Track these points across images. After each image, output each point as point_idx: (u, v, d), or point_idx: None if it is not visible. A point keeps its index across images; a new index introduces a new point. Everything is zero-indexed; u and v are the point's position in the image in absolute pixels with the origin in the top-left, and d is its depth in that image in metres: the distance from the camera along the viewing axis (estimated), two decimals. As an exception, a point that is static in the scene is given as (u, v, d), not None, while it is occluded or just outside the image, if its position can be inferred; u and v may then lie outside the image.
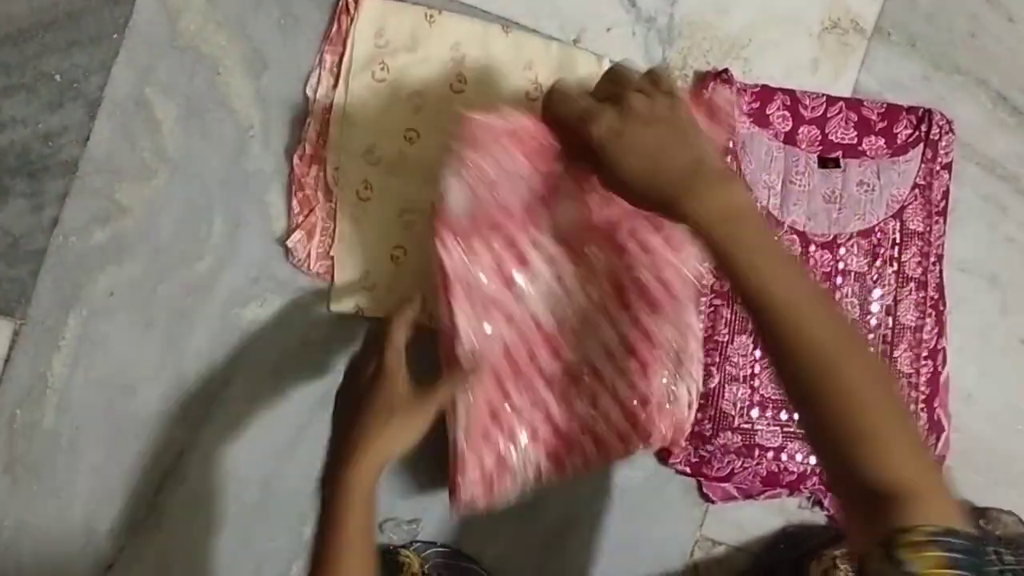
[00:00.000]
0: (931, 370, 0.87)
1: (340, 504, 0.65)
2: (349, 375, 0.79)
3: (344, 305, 0.82)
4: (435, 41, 0.83)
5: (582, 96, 0.66)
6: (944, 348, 0.88)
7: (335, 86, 0.82)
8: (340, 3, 0.82)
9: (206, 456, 0.82)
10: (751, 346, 0.85)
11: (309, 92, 0.82)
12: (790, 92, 0.87)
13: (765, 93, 0.87)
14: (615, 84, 0.65)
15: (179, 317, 0.82)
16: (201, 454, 0.82)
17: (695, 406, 0.83)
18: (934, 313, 0.87)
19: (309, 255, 0.82)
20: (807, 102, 0.87)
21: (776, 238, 0.66)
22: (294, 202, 0.82)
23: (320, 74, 0.82)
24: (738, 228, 0.57)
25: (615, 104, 0.62)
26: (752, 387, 0.84)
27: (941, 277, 0.88)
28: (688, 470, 0.85)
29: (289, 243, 0.81)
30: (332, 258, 0.82)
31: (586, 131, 0.63)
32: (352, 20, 0.82)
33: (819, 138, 0.87)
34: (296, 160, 0.82)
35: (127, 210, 0.81)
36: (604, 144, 0.62)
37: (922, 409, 0.87)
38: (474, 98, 0.83)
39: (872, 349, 0.60)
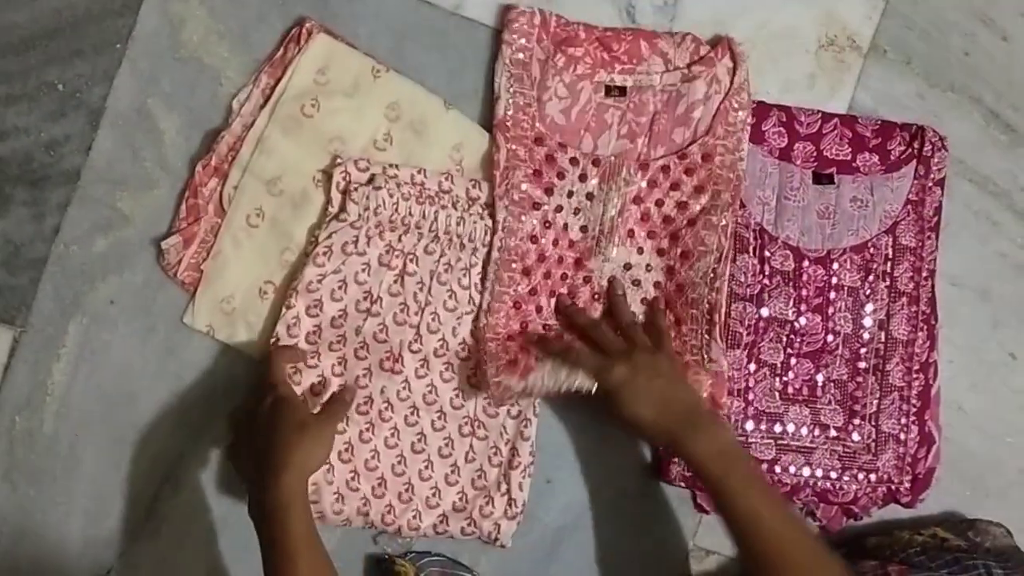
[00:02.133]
0: (922, 383, 0.88)
1: (277, 521, 0.68)
2: (237, 423, 0.80)
3: (197, 320, 0.82)
4: (375, 95, 0.82)
5: (594, 355, 0.81)
6: (936, 362, 0.89)
7: (262, 107, 0.81)
8: (292, 31, 0.82)
9: (204, 464, 0.83)
10: (745, 360, 0.85)
11: (235, 105, 0.82)
12: (786, 108, 0.88)
13: (761, 109, 0.88)
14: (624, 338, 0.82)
15: (179, 326, 0.82)
16: (200, 462, 0.83)
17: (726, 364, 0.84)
18: (926, 327, 0.88)
19: (180, 262, 0.81)
20: (803, 118, 0.88)
21: (753, 463, 0.82)
22: (183, 207, 0.81)
23: (252, 91, 0.82)
24: (729, 462, 0.73)
25: (624, 360, 0.78)
26: (747, 400, 0.85)
27: (933, 292, 0.89)
28: (683, 482, 0.86)
29: (164, 244, 0.80)
30: (201, 272, 0.81)
31: (601, 380, 0.77)
32: (300, 51, 0.81)
33: (814, 154, 0.88)
34: (199, 168, 0.81)
35: (128, 219, 0.82)
36: (616, 390, 0.77)
37: (913, 422, 0.88)
38: (393, 159, 0.82)
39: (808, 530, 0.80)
